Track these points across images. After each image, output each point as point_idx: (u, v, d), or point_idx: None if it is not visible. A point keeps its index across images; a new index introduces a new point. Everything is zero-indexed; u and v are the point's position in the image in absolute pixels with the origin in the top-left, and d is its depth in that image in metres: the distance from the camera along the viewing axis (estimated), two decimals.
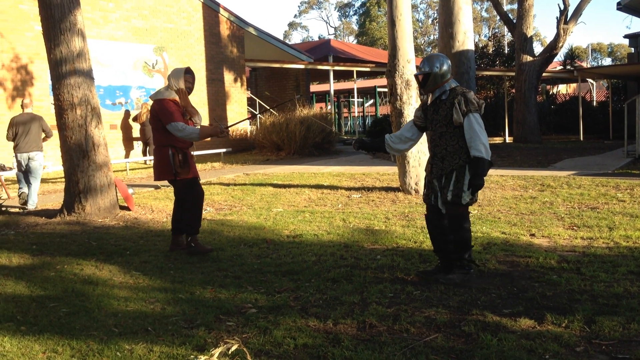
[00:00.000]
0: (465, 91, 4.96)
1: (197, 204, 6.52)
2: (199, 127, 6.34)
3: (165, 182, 7.39)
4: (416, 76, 5.20)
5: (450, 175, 4.93)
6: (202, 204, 6.61)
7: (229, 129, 7.02)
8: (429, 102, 5.20)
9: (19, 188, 10.48)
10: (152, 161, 6.87)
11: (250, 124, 22.91)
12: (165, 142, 6.37)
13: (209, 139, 6.52)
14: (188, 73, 6.54)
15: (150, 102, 6.61)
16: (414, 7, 69.75)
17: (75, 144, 8.71)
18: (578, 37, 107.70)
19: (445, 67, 5.02)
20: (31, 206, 10.13)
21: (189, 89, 6.54)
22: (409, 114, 9.74)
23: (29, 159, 10.26)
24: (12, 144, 10.37)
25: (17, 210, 9.81)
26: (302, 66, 24.06)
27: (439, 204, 5.06)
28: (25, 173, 10.36)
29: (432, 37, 70.38)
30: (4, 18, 15.63)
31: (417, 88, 9.85)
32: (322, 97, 38.00)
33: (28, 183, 10.35)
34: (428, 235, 5.53)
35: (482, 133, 4.83)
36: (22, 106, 10.66)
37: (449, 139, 4.96)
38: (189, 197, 6.49)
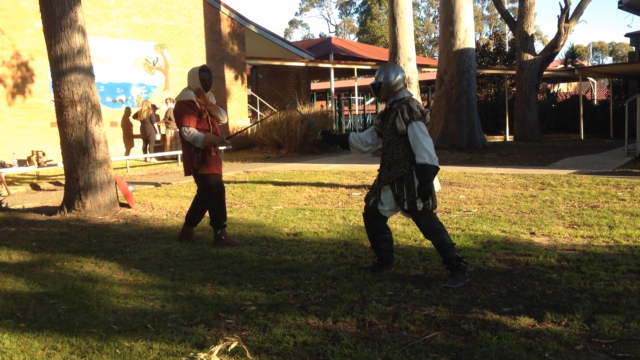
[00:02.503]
0: (410, 100, 5.09)
1: (218, 199, 6.66)
2: (204, 135, 6.48)
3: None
4: (371, 85, 5.33)
5: (400, 184, 5.03)
6: (223, 199, 6.75)
7: (230, 139, 7.24)
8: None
9: None
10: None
11: (250, 122, 22.89)
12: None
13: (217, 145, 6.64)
14: (203, 71, 6.67)
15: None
16: (415, 5, 69.68)
17: (75, 140, 8.71)
18: (579, 35, 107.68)
19: (399, 77, 5.17)
20: None
21: (206, 87, 6.68)
22: None
23: None
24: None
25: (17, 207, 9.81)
26: (303, 64, 24.05)
27: (378, 207, 5.21)
28: None
29: (433, 36, 70.34)
30: (4, 15, 15.62)
31: (417, 86, 9.85)
32: (323, 95, 37.96)
33: None
34: None
35: (425, 140, 4.93)
36: None
37: (395, 147, 5.08)
38: (209, 192, 6.64)
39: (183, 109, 6.51)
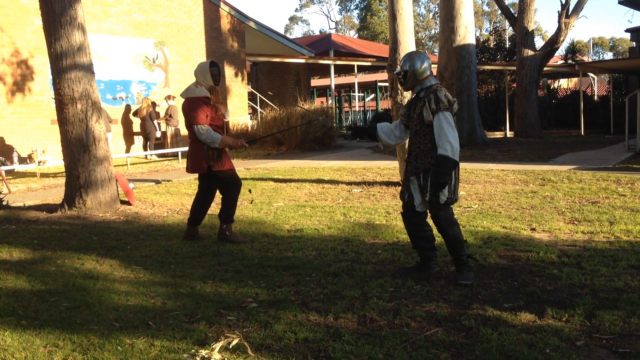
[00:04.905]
0: (438, 89, 4.93)
1: (237, 193, 6.65)
2: (221, 136, 6.41)
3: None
4: (397, 74, 5.20)
5: (426, 175, 4.92)
6: (238, 193, 6.72)
7: (250, 144, 7.12)
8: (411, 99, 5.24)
9: None
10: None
11: (251, 119, 22.89)
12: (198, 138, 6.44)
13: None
14: (213, 66, 6.51)
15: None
16: (416, 1, 69.62)
17: (75, 138, 8.71)
18: (579, 31, 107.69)
19: (425, 65, 5.02)
20: None
21: (217, 82, 6.56)
22: None
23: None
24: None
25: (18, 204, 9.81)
26: (303, 60, 24.04)
27: (414, 203, 5.07)
28: None
29: (433, 32, 70.25)
30: (4, 12, 15.61)
31: None
32: (323, 91, 37.95)
33: None
34: None
35: (450, 132, 4.79)
36: None
37: (422, 137, 4.96)
38: (229, 186, 6.62)
39: (198, 105, 6.37)
